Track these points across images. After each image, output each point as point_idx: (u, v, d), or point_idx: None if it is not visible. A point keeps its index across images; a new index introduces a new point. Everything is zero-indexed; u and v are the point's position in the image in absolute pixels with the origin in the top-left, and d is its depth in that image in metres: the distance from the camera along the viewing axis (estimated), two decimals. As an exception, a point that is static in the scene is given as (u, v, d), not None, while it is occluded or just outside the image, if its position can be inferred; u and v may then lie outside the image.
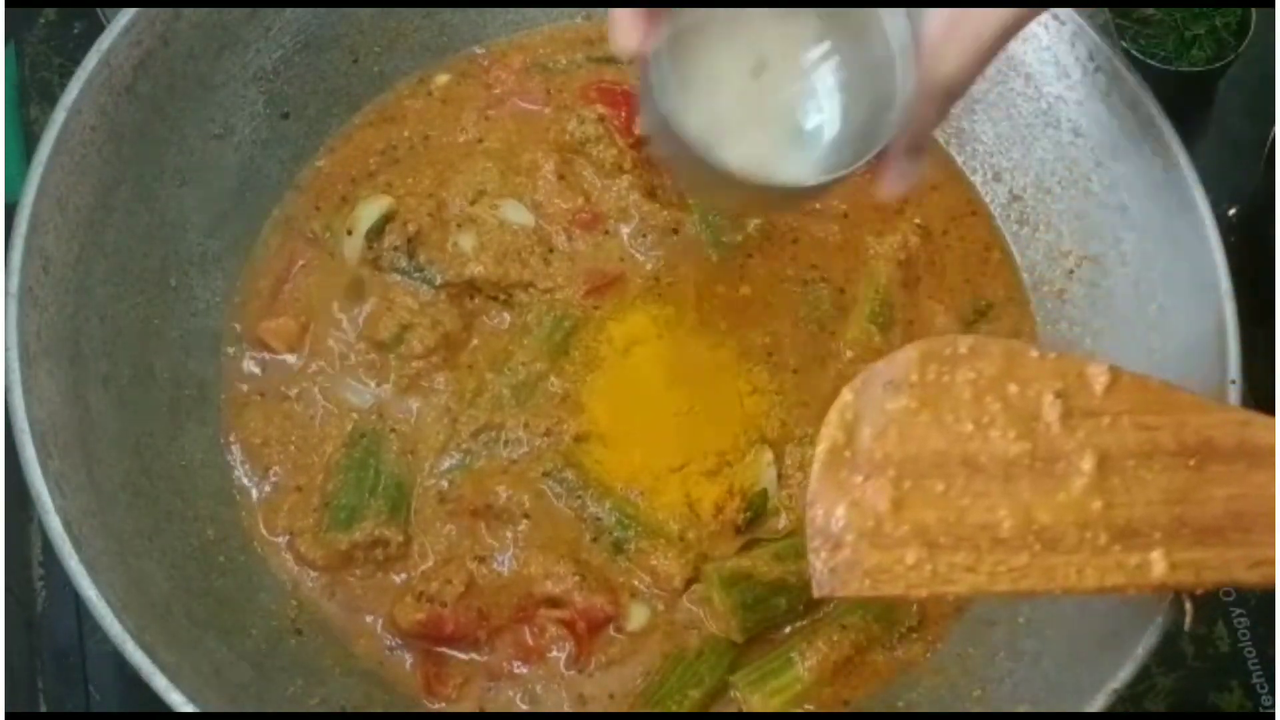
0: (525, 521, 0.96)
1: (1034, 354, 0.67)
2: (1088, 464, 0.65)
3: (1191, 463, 0.66)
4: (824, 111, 0.82)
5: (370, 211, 1.04)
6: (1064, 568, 0.65)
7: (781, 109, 0.82)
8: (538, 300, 1.03)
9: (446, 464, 0.97)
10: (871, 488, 0.65)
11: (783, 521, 0.96)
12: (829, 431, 0.66)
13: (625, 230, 1.06)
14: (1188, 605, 0.72)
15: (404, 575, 0.94)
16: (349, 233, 1.03)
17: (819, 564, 0.66)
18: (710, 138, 0.75)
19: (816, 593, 0.67)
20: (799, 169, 0.81)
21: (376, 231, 1.03)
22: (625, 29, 0.75)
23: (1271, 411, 0.68)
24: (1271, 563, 0.66)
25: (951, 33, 0.74)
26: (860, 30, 0.78)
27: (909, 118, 0.76)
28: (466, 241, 1.03)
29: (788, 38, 0.81)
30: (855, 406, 0.66)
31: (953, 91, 0.76)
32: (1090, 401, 0.66)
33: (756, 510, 0.95)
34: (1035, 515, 0.65)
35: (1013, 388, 0.65)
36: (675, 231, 1.06)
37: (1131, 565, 0.65)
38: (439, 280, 1.02)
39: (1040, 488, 0.65)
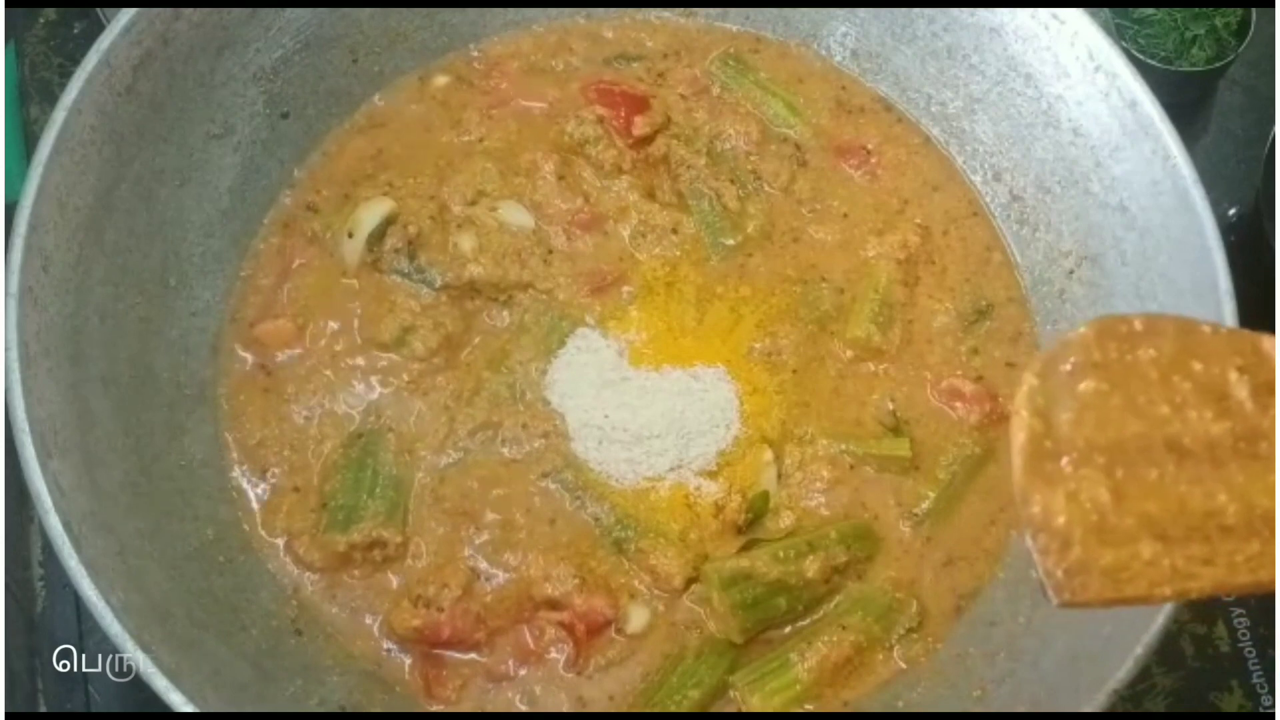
0: (524, 522, 0.96)
1: (1205, 329, 0.63)
2: None
3: None
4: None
5: (372, 215, 1.03)
6: None
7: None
8: (536, 300, 1.03)
9: (444, 463, 0.97)
10: (1084, 477, 0.59)
11: (783, 521, 0.96)
12: (1024, 419, 0.60)
13: (624, 230, 1.06)
14: None
15: (403, 576, 0.94)
16: (349, 235, 1.03)
17: (1051, 567, 0.58)
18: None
19: (1055, 600, 0.58)
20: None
21: (377, 234, 1.03)
22: None
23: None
24: None
25: None
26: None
27: None
28: (466, 242, 1.03)
29: None
30: (1044, 391, 0.60)
31: None
32: (1271, 376, 0.62)
33: (756, 510, 0.95)
34: (1256, 500, 0.60)
35: (1197, 365, 0.61)
36: (675, 231, 1.06)
37: None
38: (439, 282, 1.02)
39: (1250, 470, 0.61)
